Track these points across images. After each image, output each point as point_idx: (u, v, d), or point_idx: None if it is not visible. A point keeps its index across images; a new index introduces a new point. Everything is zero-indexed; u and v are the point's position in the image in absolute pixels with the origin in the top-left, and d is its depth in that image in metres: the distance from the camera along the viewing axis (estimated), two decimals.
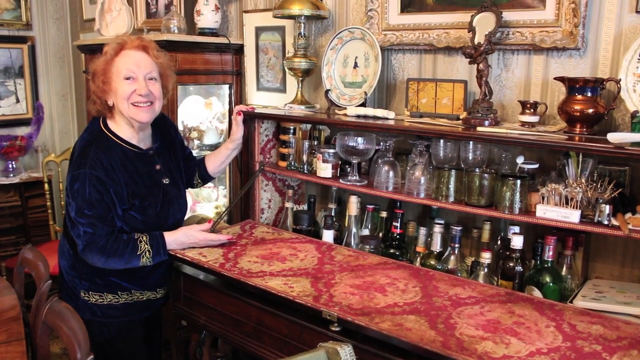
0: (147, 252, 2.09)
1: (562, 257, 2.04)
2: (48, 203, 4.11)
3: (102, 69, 2.12)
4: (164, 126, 2.37)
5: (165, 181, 2.25)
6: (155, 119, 2.23)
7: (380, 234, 2.46)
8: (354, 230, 2.43)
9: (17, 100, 4.58)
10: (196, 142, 3.36)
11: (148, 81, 2.13)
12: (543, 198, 1.92)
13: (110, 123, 2.18)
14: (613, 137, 1.71)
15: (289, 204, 2.67)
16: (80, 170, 2.04)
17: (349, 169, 2.42)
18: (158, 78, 2.19)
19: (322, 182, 2.50)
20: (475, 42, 2.13)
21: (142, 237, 2.11)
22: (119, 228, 2.11)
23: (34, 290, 2.08)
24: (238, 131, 2.54)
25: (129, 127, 2.18)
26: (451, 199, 2.12)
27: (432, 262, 2.22)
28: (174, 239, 2.19)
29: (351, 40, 2.60)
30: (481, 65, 2.11)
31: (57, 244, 2.36)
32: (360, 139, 2.31)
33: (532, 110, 2.05)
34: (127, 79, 2.10)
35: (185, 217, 3.14)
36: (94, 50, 3.53)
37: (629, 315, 1.74)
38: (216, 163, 2.56)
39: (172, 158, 2.34)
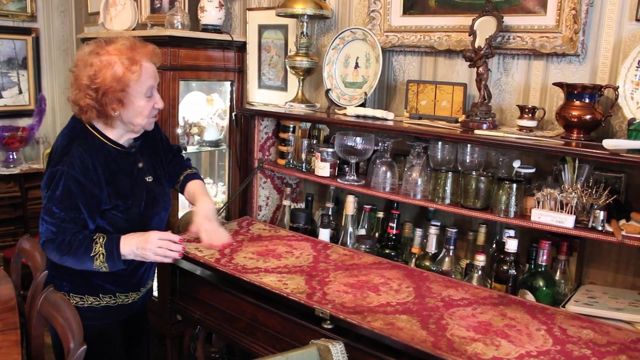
0: (101, 255, 1.94)
1: (556, 261, 2.05)
2: None
3: (121, 86, 1.95)
4: None
5: (149, 179, 2.16)
6: None
7: (376, 234, 2.47)
8: (350, 229, 2.44)
9: (20, 92, 4.59)
10: (197, 137, 3.37)
11: (157, 92, 2.09)
12: (538, 202, 1.93)
13: (97, 123, 2.05)
14: (609, 143, 1.72)
15: (286, 202, 2.68)
16: (58, 167, 1.94)
17: (347, 168, 2.43)
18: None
19: (320, 181, 2.51)
20: (476, 45, 2.14)
21: (99, 239, 1.95)
22: (100, 227, 2.02)
23: (31, 281, 2.09)
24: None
25: (124, 131, 2.08)
26: (447, 201, 2.13)
27: (427, 263, 2.23)
28: (127, 243, 1.98)
29: (353, 40, 2.61)
30: (481, 69, 2.12)
31: None
32: (359, 139, 2.32)
33: (530, 115, 2.06)
34: (148, 95, 2.03)
35: (180, 215, 3.16)
36: None
37: (620, 321, 1.75)
38: (187, 195, 2.38)
39: (154, 155, 2.24)
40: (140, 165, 2.15)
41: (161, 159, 2.29)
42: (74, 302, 2.08)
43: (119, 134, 2.09)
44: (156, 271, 2.66)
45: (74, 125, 2.07)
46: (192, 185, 2.32)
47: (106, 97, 1.95)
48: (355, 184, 2.37)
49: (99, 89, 1.94)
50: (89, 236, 1.96)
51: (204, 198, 2.26)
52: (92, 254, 1.93)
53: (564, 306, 1.87)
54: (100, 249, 1.94)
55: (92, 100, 1.96)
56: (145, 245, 1.97)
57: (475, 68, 2.14)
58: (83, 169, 1.96)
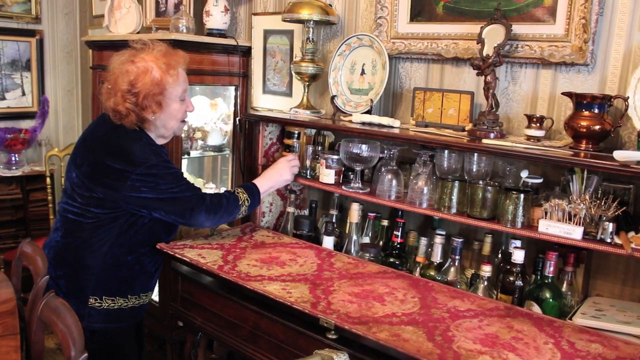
0: (247, 201, 2.24)
1: (562, 273, 2.03)
2: (49, 197, 4.10)
3: (159, 89, 2.07)
4: None
5: None
6: None
7: (381, 243, 2.45)
8: (354, 237, 2.42)
9: (23, 94, 4.58)
10: (200, 142, 3.35)
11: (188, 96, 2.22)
12: (546, 213, 1.90)
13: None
14: (619, 155, 1.70)
15: (290, 209, 2.66)
16: (150, 162, 2.03)
17: (352, 175, 2.41)
18: None
19: (324, 188, 2.49)
20: (484, 53, 2.13)
21: (237, 189, 2.27)
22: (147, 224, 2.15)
23: (32, 284, 2.07)
24: None
25: (156, 136, 2.19)
26: (453, 210, 2.10)
27: (432, 273, 2.20)
28: (264, 183, 2.35)
29: (359, 47, 2.59)
30: (489, 78, 2.10)
31: None
32: (364, 147, 2.30)
33: (538, 124, 2.04)
34: (182, 99, 2.16)
35: None
36: (101, 46, 3.54)
37: (629, 335, 1.72)
38: None
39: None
40: None
41: None
42: (106, 304, 2.13)
43: (156, 137, 2.19)
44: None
45: (126, 130, 2.10)
46: None
47: (146, 100, 2.06)
48: (360, 191, 2.35)
49: (139, 93, 2.04)
50: (227, 191, 2.26)
51: None
52: (239, 202, 2.22)
53: (570, 318, 1.85)
54: (244, 195, 2.24)
55: (131, 105, 2.05)
56: (283, 174, 2.41)
57: (483, 76, 2.12)
58: (159, 154, 2.11)
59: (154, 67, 2.07)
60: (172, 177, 2.08)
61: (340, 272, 2.10)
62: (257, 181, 2.35)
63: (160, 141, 2.21)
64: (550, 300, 1.95)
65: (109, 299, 2.14)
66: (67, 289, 2.13)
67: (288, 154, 2.58)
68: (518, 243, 2.07)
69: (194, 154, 3.33)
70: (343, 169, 2.46)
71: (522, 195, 1.94)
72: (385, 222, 2.46)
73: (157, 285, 2.39)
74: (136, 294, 2.20)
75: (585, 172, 1.91)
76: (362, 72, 2.60)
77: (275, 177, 2.39)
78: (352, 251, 2.40)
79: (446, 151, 2.17)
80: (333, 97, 2.64)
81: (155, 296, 3.13)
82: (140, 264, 2.18)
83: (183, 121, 2.22)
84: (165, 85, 2.08)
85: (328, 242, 2.40)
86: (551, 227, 1.88)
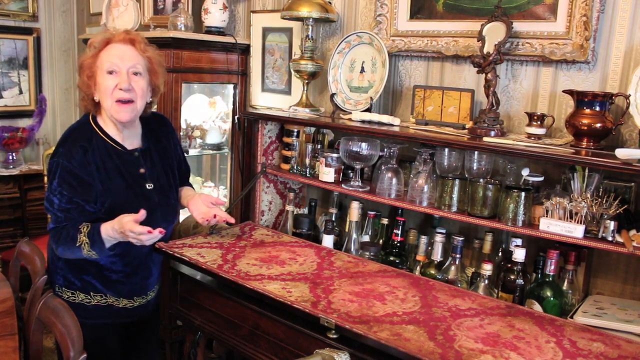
0: (86, 245, 1.94)
1: (563, 271, 2.02)
2: None
3: (89, 62, 2.05)
4: (160, 128, 2.26)
5: (149, 187, 2.12)
6: (150, 119, 2.19)
7: (381, 241, 2.44)
8: (354, 236, 2.41)
9: (20, 92, 4.56)
10: (199, 140, 3.34)
11: (132, 75, 2.02)
12: (547, 211, 1.90)
13: (98, 118, 2.10)
14: (621, 153, 1.70)
15: (289, 207, 2.65)
16: (54, 159, 2.00)
17: (351, 174, 2.40)
18: (144, 73, 2.06)
19: (324, 187, 2.48)
20: (484, 51, 2.12)
21: (83, 228, 1.95)
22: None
23: (30, 283, 2.06)
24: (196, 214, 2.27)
25: (113, 124, 2.09)
26: (454, 208, 2.10)
27: (432, 272, 2.20)
28: (107, 229, 1.94)
29: (359, 44, 2.58)
30: (489, 75, 2.09)
31: None
32: (364, 145, 2.29)
33: (539, 122, 2.03)
34: (110, 72, 2.00)
35: (182, 219, 3.11)
36: None
37: (631, 334, 1.72)
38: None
39: (161, 163, 2.21)
40: (142, 170, 2.13)
41: (172, 168, 2.27)
42: (66, 296, 2.11)
43: (114, 130, 2.10)
44: None
45: (80, 120, 2.14)
46: (187, 189, 2.40)
47: (80, 77, 2.07)
48: (360, 190, 2.34)
49: (79, 70, 2.08)
50: (77, 227, 1.97)
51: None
52: (77, 244, 1.95)
53: (571, 317, 1.84)
54: (84, 238, 1.95)
55: (79, 87, 2.09)
56: (123, 231, 1.90)
57: (484, 74, 2.11)
58: (78, 160, 1.99)
59: (92, 45, 2.07)
60: (56, 187, 1.98)
61: (341, 271, 2.09)
62: (106, 225, 1.96)
63: (112, 129, 2.09)
64: (551, 298, 1.95)
65: (69, 291, 2.11)
66: (50, 270, 2.18)
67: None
68: (519, 241, 2.07)
69: (192, 152, 3.33)
70: (343, 167, 2.45)
71: (522, 194, 1.93)
72: (385, 221, 2.45)
73: (144, 294, 2.26)
74: (100, 293, 2.12)
75: (587, 170, 1.90)
76: (362, 70, 2.59)
77: (111, 232, 1.94)
78: (352, 250, 2.39)
79: (446, 149, 2.16)
80: (332, 95, 2.63)
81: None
82: (97, 266, 2.09)
83: (122, 102, 2.00)
84: (93, 57, 2.04)
85: (328, 240, 2.39)
86: (552, 226, 1.87)
